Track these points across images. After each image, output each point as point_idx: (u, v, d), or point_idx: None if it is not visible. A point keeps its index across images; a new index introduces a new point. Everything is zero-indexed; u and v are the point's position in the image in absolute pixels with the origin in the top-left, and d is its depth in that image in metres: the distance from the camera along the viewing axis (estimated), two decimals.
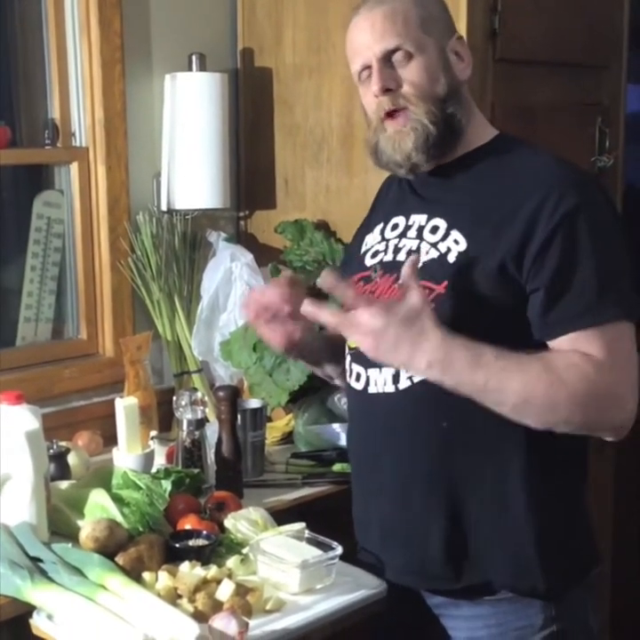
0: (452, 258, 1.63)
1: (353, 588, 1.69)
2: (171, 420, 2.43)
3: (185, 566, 1.67)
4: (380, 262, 1.73)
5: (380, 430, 1.71)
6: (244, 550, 1.76)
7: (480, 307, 1.60)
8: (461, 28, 2.13)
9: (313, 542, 1.74)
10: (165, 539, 1.76)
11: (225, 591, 1.61)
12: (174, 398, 2.17)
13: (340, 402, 2.30)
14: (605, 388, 1.55)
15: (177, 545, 1.74)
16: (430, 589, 1.72)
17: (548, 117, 2.48)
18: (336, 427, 2.31)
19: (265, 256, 2.61)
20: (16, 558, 1.68)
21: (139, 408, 2.14)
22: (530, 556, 1.64)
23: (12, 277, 2.51)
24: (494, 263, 1.59)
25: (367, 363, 1.70)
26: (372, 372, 1.70)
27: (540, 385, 1.53)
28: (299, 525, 1.80)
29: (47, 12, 2.45)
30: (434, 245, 1.66)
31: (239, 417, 2.14)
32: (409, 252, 1.68)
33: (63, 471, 2.08)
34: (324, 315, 1.56)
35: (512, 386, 1.53)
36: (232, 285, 2.52)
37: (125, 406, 2.10)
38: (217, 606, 1.57)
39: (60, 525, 1.85)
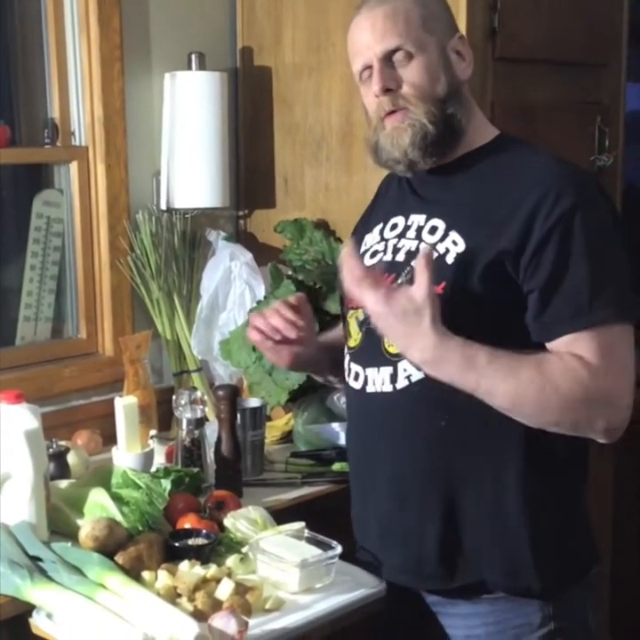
0: (450, 259, 1.63)
1: (352, 588, 1.69)
2: (170, 419, 2.42)
3: (184, 565, 1.67)
4: (379, 262, 1.73)
5: (377, 429, 1.71)
6: (244, 549, 1.76)
7: (478, 307, 1.60)
8: (461, 26, 2.12)
9: (312, 541, 1.74)
10: (165, 538, 1.76)
11: (224, 590, 1.61)
12: (174, 397, 2.17)
13: (340, 401, 2.30)
14: (598, 392, 1.54)
15: (176, 544, 1.74)
16: (426, 589, 1.72)
17: (548, 116, 2.47)
18: (335, 426, 2.31)
19: (264, 255, 2.61)
20: (16, 557, 1.68)
21: (138, 407, 2.14)
22: (524, 557, 1.64)
23: (12, 276, 2.51)
24: (492, 263, 1.59)
25: (365, 362, 1.70)
26: (371, 371, 1.70)
27: (532, 389, 1.53)
28: (298, 524, 1.80)
29: (46, 11, 2.45)
30: (432, 246, 1.65)
31: (239, 416, 2.14)
32: (408, 253, 1.68)
33: (63, 470, 2.08)
34: (354, 263, 1.57)
35: (503, 389, 1.54)
36: (231, 284, 2.52)
37: (125, 405, 2.10)
38: (216, 605, 1.57)
39: (59, 524, 1.85)
